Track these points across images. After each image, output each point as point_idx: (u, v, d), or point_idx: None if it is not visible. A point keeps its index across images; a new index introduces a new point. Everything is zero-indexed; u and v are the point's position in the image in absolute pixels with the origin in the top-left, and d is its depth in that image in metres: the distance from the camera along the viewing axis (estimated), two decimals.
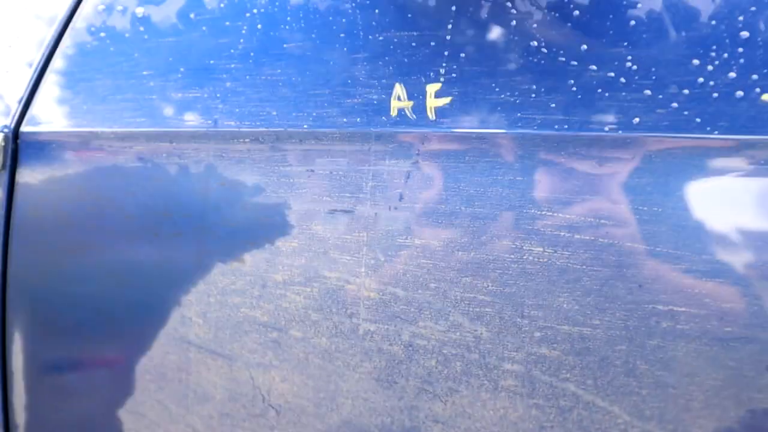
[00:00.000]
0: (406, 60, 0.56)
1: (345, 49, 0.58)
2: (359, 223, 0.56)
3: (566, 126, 0.52)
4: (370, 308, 0.57)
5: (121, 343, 0.61)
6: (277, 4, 0.62)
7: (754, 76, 0.49)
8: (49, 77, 0.65)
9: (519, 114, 0.53)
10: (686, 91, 0.50)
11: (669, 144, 0.50)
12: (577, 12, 0.54)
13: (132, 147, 0.62)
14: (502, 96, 0.53)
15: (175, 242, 0.59)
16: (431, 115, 0.56)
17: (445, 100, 0.56)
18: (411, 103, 0.56)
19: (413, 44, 0.56)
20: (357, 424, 0.57)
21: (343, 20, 0.58)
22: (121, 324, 0.61)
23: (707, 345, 0.54)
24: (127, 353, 0.61)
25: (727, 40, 0.51)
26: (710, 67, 0.50)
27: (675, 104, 0.51)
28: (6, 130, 0.62)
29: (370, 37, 0.57)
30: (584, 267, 0.53)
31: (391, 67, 0.56)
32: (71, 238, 0.61)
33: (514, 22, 0.55)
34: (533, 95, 0.53)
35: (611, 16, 0.53)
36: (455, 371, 0.56)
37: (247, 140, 0.58)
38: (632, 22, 0.52)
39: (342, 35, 0.58)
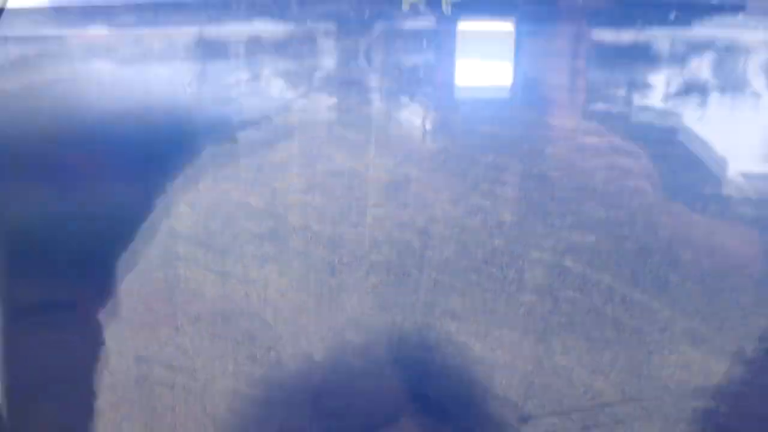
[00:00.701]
0: None
1: None
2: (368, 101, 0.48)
3: None
4: (380, 191, 0.49)
5: (101, 238, 0.53)
6: None
7: None
8: None
9: None
10: None
11: None
12: None
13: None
14: None
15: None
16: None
17: None
18: None
19: None
20: (364, 323, 0.49)
21: None
22: (100, 218, 0.53)
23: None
24: (106, 247, 0.53)
25: None
26: None
27: None
28: None
29: None
30: None
31: None
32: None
33: None
34: None
35: None
36: (476, 261, 0.48)
37: None
38: None
39: None
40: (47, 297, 0.56)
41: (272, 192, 0.51)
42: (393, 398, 0.53)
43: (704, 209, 0.49)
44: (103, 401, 0.58)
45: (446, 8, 0.47)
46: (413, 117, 0.52)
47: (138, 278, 0.55)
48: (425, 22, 0.54)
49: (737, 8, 0.52)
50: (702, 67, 0.52)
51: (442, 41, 0.53)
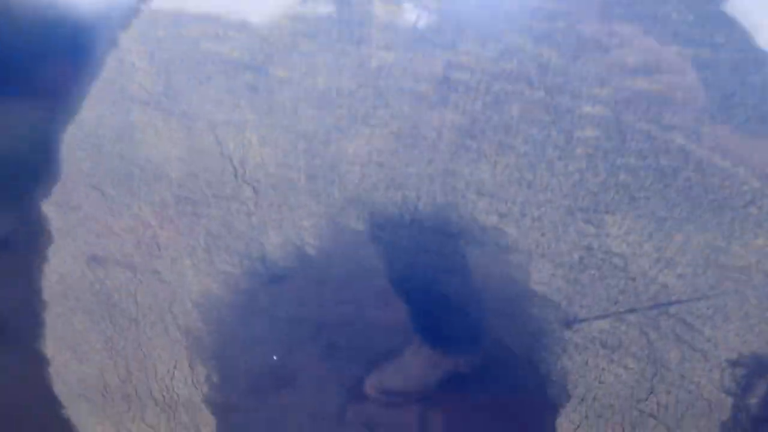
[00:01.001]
0: None
1: None
2: None
3: None
4: (387, 30, 0.38)
5: (42, 104, 0.42)
6: None
7: None
8: None
9: None
10: None
11: None
12: None
13: None
14: None
15: None
16: None
17: None
18: None
19: None
20: (367, 201, 0.39)
21: None
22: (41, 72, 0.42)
23: None
24: (46, 116, 0.42)
25: None
26: None
27: None
28: None
29: None
30: None
31: None
32: None
33: None
34: None
35: None
36: (510, 117, 0.37)
37: None
38: None
39: None
40: None
41: (251, 36, 0.40)
42: (405, 304, 0.42)
43: None
44: (54, 315, 0.47)
45: None
46: None
47: (89, 156, 0.44)
48: None
49: None
50: None
51: None
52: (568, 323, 0.41)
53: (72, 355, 0.48)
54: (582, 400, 0.44)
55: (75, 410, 0.50)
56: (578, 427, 0.44)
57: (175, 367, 0.47)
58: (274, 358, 0.45)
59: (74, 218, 0.45)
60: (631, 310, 0.41)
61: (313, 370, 0.44)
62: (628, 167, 0.38)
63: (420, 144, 0.39)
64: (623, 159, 0.38)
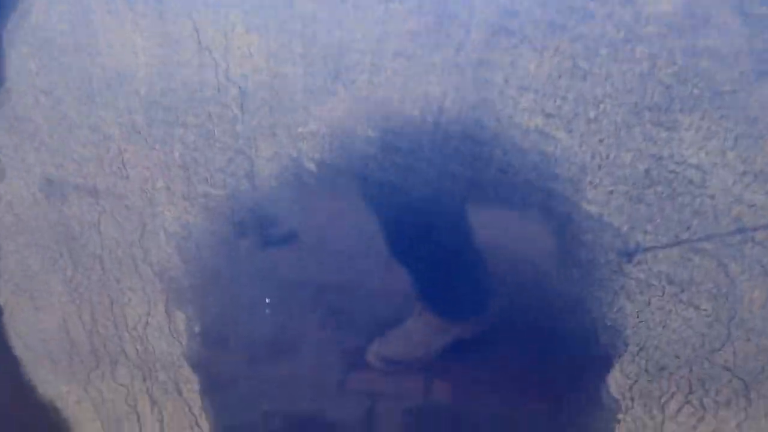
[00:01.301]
0: None
1: None
2: None
3: None
4: None
5: None
6: None
7: None
8: None
9: None
10: None
11: None
12: None
13: None
14: None
15: None
16: None
17: None
18: None
19: None
20: (380, 101, 0.30)
21: None
22: None
23: None
24: None
25: None
26: None
27: None
28: None
29: None
30: None
31: None
32: None
33: None
34: None
35: None
36: None
37: None
38: None
39: None
40: None
41: None
42: (425, 233, 0.34)
43: None
44: (4, 253, 0.39)
45: None
46: None
47: (39, 56, 0.35)
48: None
49: None
50: None
51: None
52: (629, 254, 0.33)
53: (29, 302, 0.41)
54: (641, 349, 0.36)
55: (35, 368, 0.42)
56: (635, 382, 0.36)
57: (148, 315, 0.39)
58: (267, 301, 0.37)
59: (23, 133, 0.36)
60: (708, 237, 0.32)
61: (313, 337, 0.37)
62: (712, 52, 0.30)
63: (446, 26, 0.31)
64: (705, 41, 0.30)
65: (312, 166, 0.34)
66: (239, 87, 0.33)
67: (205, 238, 0.37)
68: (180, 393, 0.41)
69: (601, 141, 0.32)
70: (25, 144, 0.37)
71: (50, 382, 0.43)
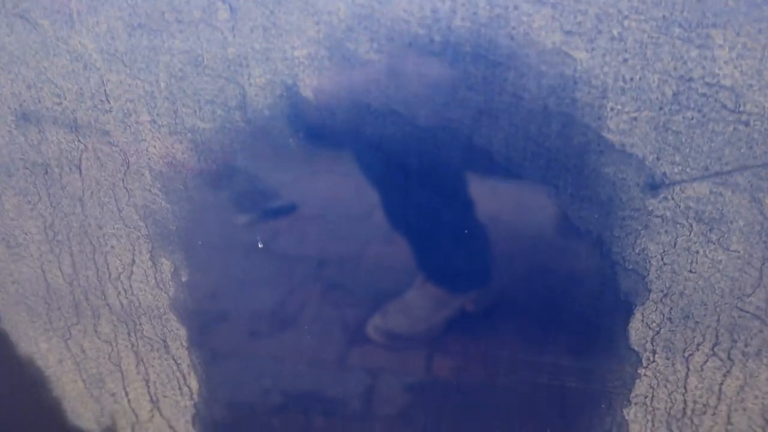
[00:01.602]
0: None
1: None
2: None
3: None
4: None
5: None
6: None
7: None
8: None
9: None
10: None
11: None
12: None
13: None
14: None
15: None
16: None
17: None
18: None
19: None
20: (383, 17, 0.27)
21: None
22: None
23: None
24: None
25: None
26: None
27: None
28: None
29: None
30: None
31: None
32: None
33: None
34: None
35: None
36: None
37: None
38: None
39: None
40: None
41: None
42: (431, 167, 0.31)
43: None
44: None
45: None
46: None
47: None
48: None
49: None
50: None
51: None
52: (653, 188, 0.30)
53: (5, 251, 0.38)
54: (665, 295, 0.33)
55: (13, 322, 0.39)
56: (657, 333, 0.34)
57: (132, 263, 0.36)
58: (259, 245, 0.34)
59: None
60: (741, 169, 0.30)
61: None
62: None
63: None
64: None
65: (308, 93, 0.31)
66: (230, 7, 0.30)
67: (193, 177, 0.34)
68: (167, 349, 0.38)
69: (624, 61, 0.29)
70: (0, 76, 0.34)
71: (30, 339, 0.40)
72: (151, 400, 0.40)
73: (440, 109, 0.31)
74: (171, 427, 0.41)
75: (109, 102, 0.33)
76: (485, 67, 0.30)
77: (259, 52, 0.31)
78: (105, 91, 0.33)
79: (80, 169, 0.35)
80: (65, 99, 0.34)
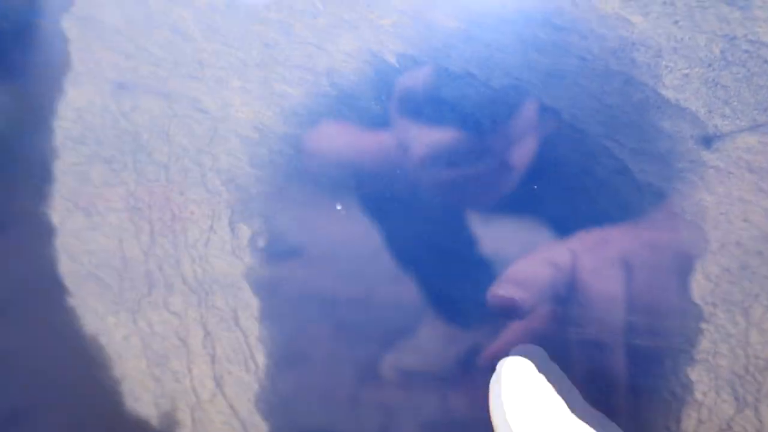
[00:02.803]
0: None
1: None
2: None
3: None
4: None
5: None
6: None
7: None
8: None
9: None
10: None
11: None
12: None
13: None
14: None
15: None
16: None
17: None
18: None
19: None
20: None
21: None
22: None
23: None
24: None
25: None
26: None
27: None
28: None
29: None
30: None
31: None
32: None
33: None
34: None
35: None
36: None
37: None
38: None
39: None
40: None
41: None
42: (504, 117, 0.33)
43: None
44: (66, 166, 0.37)
45: None
46: None
47: None
48: None
49: None
50: None
51: None
52: (707, 140, 0.32)
53: (85, 220, 0.38)
54: (722, 246, 0.34)
55: (82, 297, 0.39)
56: (717, 285, 0.34)
57: (210, 230, 0.37)
58: (338, 207, 0.35)
59: (98, 35, 0.35)
60: None
61: None
62: None
63: None
64: None
65: (393, 59, 0.33)
66: None
67: (278, 142, 0.35)
68: (236, 321, 0.38)
69: (676, 23, 0.32)
70: (99, 46, 0.36)
71: (98, 313, 0.39)
72: (214, 378, 0.39)
73: (512, 71, 0.33)
74: (232, 407, 0.40)
75: (202, 69, 0.35)
76: (552, 32, 0.32)
77: (348, 22, 0.34)
78: (199, 59, 0.35)
79: (168, 136, 0.36)
80: (161, 69, 0.35)
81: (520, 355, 0.33)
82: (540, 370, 0.32)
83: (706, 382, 0.37)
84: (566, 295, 0.36)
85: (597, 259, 0.34)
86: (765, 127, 0.33)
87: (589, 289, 0.35)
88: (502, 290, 0.35)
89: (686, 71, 0.33)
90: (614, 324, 0.35)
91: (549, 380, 0.31)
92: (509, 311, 0.35)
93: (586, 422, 0.31)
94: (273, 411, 0.40)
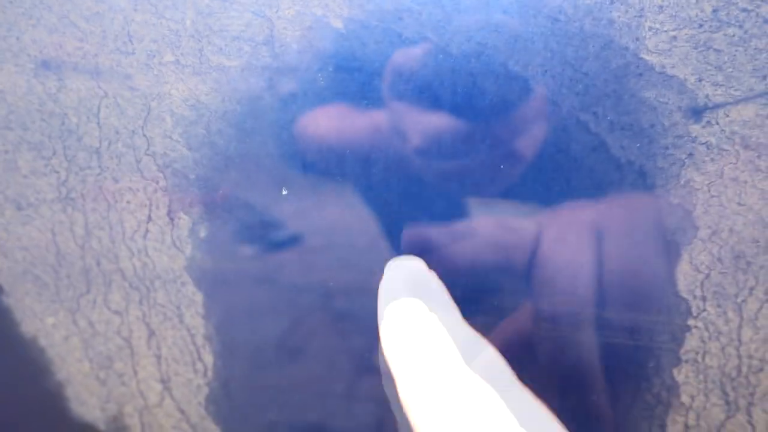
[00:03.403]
0: None
1: None
2: None
3: None
4: None
5: None
6: None
7: None
8: None
9: None
10: None
11: None
12: None
13: None
14: None
15: None
16: None
17: None
18: None
19: None
20: None
21: None
22: None
23: None
24: None
25: None
26: None
27: None
28: None
29: None
30: None
31: None
32: None
33: None
34: None
35: None
36: None
37: None
38: None
39: None
40: None
41: None
42: (468, 86, 0.29)
43: None
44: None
45: None
46: None
47: None
48: None
49: None
50: None
51: None
52: (697, 112, 0.28)
53: (15, 213, 0.34)
54: (713, 232, 0.29)
55: (18, 296, 0.35)
56: (707, 275, 0.30)
57: (148, 220, 0.33)
58: (284, 192, 0.31)
59: (18, 9, 0.31)
60: None
61: None
62: None
63: None
64: None
65: (339, 24, 0.29)
66: None
67: (216, 121, 0.31)
68: (181, 319, 0.34)
69: None
70: (20, 21, 0.32)
71: (35, 314, 0.35)
72: (161, 380, 0.36)
73: (474, 34, 0.28)
74: (181, 410, 0.36)
75: (132, 44, 0.31)
76: None
77: None
78: (129, 32, 0.31)
79: (99, 119, 0.32)
80: (87, 44, 0.31)
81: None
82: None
83: (694, 385, 0.33)
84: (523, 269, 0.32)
85: (565, 246, 0.30)
86: (763, 97, 0.29)
87: (555, 276, 0.31)
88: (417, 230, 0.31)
89: (673, 33, 0.28)
90: (588, 320, 0.31)
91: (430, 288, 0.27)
92: (417, 246, 0.31)
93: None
94: (224, 414, 0.37)
